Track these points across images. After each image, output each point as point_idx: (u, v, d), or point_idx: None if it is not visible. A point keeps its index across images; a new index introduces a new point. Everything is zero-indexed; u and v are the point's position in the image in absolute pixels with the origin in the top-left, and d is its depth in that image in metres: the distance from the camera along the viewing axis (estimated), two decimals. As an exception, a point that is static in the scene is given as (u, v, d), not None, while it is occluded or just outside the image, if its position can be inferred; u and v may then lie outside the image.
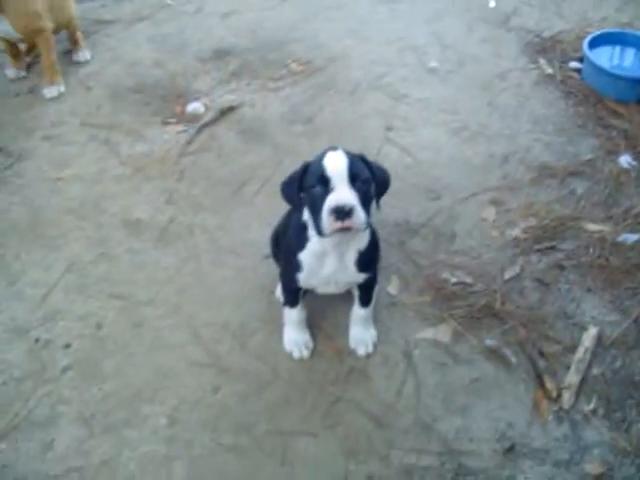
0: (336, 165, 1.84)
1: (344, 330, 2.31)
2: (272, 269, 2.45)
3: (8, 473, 2.04)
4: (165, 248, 2.64)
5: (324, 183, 1.84)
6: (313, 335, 2.32)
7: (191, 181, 2.90)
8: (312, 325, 2.34)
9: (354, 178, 1.85)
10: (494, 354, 2.29)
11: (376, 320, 2.33)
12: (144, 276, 2.55)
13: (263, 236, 2.54)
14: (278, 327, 2.35)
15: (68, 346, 2.35)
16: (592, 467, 2.01)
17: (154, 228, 2.72)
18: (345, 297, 2.27)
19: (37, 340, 2.37)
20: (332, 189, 1.84)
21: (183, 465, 2.05)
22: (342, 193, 1.83)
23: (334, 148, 1.89)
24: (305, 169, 1.92)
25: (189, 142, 3.09)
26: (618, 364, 2.27)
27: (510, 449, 2.06)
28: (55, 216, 2.75)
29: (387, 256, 2.53)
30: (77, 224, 2.73)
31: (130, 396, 2.21)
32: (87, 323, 2.41)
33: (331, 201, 1.83)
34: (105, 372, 2.28)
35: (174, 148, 3.05)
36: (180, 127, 3.18)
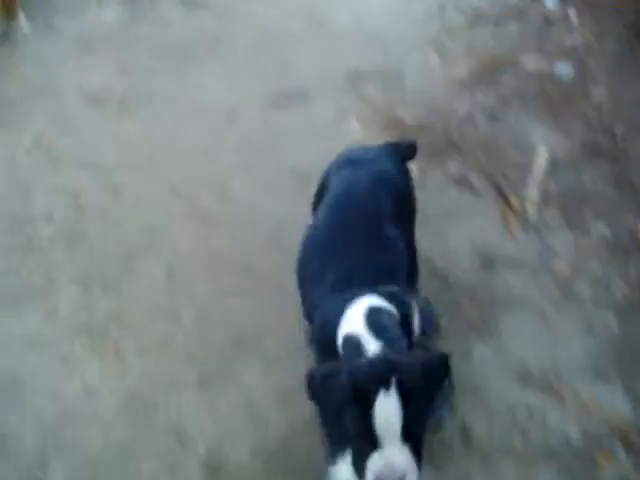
0: (387, 419, 1.41)
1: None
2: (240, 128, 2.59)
3: (17, 337, 2.10)
4: (128, 116, 2.65)
5: (369, 430, 1.41)
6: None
7: (143, 50, 2.91)
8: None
9: (409, 430, 1.42)
10: (460, 182, 2.44)
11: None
12: (111, 144, 2.56)
13: (221, 97, 2.65)
14: (254, 173, 2.46)
15: (50, 218, 2.37)
16: (561, 267, 2.22)
17: (113, 99, 2.73)
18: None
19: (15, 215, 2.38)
20: (379, 443, 1.42)
21: (189, 311, 2.13)
22: (393, 456, 1.42)
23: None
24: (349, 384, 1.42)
25: (131, 17, 3.05)
26: (571, 179, 2.47)
27: (488, 262, 2.24)
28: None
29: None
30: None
31: (122, 255, 2.28)
32: (64, 194, 2.43)
33: (377, 465, 1.41)
34: (92, 236, 2.33)
35: (117, 22, 3.03)
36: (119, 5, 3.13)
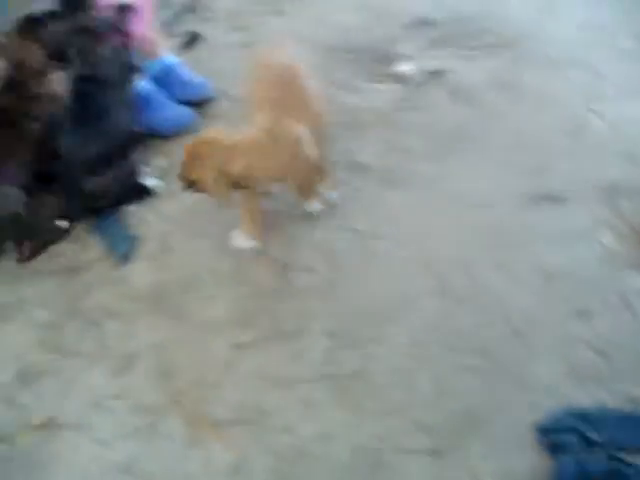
0: None
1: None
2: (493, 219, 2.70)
3: (264, 373, 2.31)
4: (388, 190, 2.85)
5: None
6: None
7: (408, 133, 3.11)
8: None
9: None
10: None
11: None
12: (373, 213, 2.79)
13: (477, 186, 2.83)
14: (502, 263, 2.56)
15: (309, 269, 2.60)
16: None
17: (376, 171, 2.93)
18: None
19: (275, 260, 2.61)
20: None
21: (427, 379, 2.24)
22: None
23: None
24: None
25: (402, 99, 3.30)
26: None
27: None
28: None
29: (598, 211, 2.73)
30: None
31: (371, 316, 2.43)
32: (324, 250, 2.64)
33: None
34: (345, 293, 2.50)
35: (388, 103, 3.26)
36: (391, 85, 3.39)
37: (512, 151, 3.00)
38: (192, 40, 3.69)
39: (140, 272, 2.60)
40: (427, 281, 2.52)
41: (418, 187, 2.85)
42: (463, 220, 2.72)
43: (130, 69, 2.85)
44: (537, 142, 3.05)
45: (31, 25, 2.66)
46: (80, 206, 2.70)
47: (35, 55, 2.64)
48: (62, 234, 2.75)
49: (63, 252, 2.68)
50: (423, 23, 3.85)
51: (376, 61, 3.55)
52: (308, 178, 2.59)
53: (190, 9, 3.37)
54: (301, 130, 2.42)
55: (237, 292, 2.54)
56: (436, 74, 3.46)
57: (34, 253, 2.69)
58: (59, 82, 2.69)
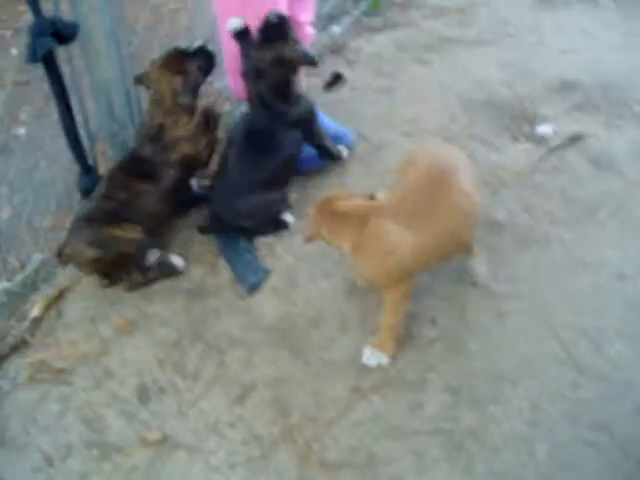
0: None
1: None
2: (628, 291, 2.62)
3: (380, 420, 2.27)
4: (522, 250, 2.79)
5: None
6: None
7: (546, 195, 3.06)
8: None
9: None
10: None
11: None
12: (505, 272, 2.71)
13: (614, 257, 2.72)
14: (635, 339, 2.45)
15: (433, 321, 2.54)
16: None
17: (512, 231, 2.88)
18: None
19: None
20: None
21: (544, 449, 2.17)
22: None
23: None
24: None
25: (541, 160, 3.25)
26: None
27: None
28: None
29: None
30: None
31: (494, 376, 2.37)
32: (451, 304, 2.60)
33: None
34: (470, 351, 2.46)
35: (527, 163, 3.22)
36: (530, 146, 3.35)
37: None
38: (335, 81, 3.74)
39: (266, 304, 2.62)
40: (553, 347, 2.46)
41: (553, 250, 2.79)
42: (598, 288, 2.65)
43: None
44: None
45: (178, 58, 2.75)
46: (224, 221, 2.79)
47: (173, 88, 2.70)
48: (175, 271, 2.80)
49: (192, 275, 2.73)
50: (568, 85, 3.82)
51: (517, 119, 3.53)
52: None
53: (334, 50, 3.42)
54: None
55: (361, 337, 2.52)
56: (577, 139, 3.41)
57: (142, 284, 2.74)
58: (198, 121, 2.80)
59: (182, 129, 2.72)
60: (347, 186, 3.03)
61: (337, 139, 3.15)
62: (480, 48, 4.17)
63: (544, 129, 3.42)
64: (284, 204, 2.91)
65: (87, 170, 2.72)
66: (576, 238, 2.84)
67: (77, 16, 2.53)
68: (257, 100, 2.79)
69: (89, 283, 2.71)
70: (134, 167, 2.70)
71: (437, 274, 2.69)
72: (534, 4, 4.69)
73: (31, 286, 2.69)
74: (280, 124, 2.78)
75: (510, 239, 2.84)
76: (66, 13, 2.56)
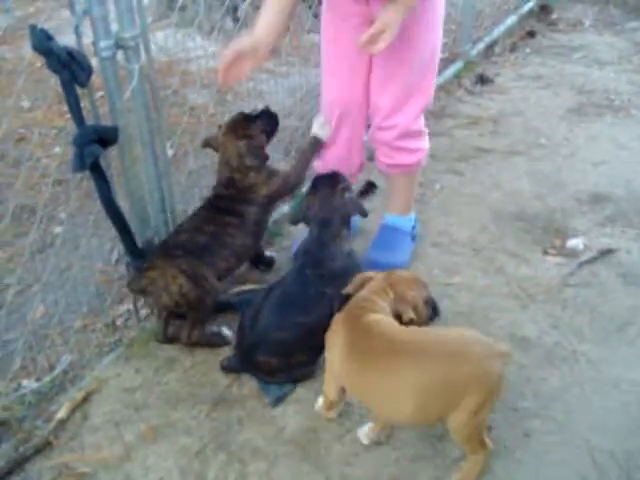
0: None
1: None
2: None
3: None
4: (550, 368, 2.77)
5: None
6: None
7: (575, 311, 3.05)
8: None
9: None
10: None
11: None
12: (531, 390, 2.69)
13: (645, 378, 2.59)
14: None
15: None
16: None
17: (540, 348, 2.86)
18: None
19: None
20: None
21: None
22: None
23: None
24: None
25: (570, 274, 3.26)
26: None
27: None
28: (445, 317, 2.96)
29: None
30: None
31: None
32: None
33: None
34: (494, 472, 2.42)
35: (556, 278, 3.22)
36: (560, 259, 3.36)
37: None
38: (368, 189, 3.82)
39: (290, 416, 2.60)
40: (581, 470, 2.42)
41: (582, 369, 2.78)
42: (627, 409, 2.62)
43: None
44: None
45: (242, 123, 2.94)
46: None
47: (238, 152, 2.90)
48: (225, 342, 2.92)
49: (218, 381, 2.74)
50: (599, 198, 3.85)
51: (547, 232, 3.55)
52: None
53: (369, 157, 3.50)
54: None
55: (386, 452, 2.51)
56: (608, 253, 3.40)
57: (199, 342, 2.86)
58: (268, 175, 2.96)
59: (252, 179, 2.91)
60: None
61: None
62: (512, 158, 4.21)
63: (575, 242, 3.44)
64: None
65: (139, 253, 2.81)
66: (604, 356, 2.82)
67: (114, 120, 2.61)
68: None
69: (116, 386, 2.74)
70: (218, 205, 2.90)
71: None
72: (567, 115, 4.76)
73: (59, 387, 2.72)
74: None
75: (537, 356, 2.82)
76: (103, 117, 2.65)
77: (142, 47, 2.61)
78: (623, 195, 3.88)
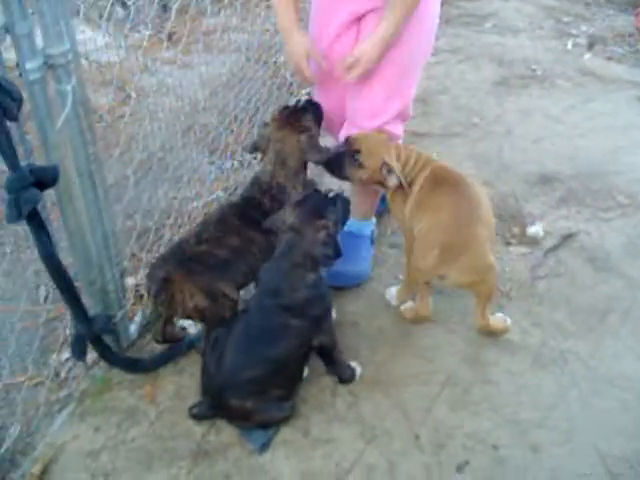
0: None
1: None
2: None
3: None
4: (541, 371, 2.67)
5: None
6: None
7: (552, 306, 2.96)
8: None
9: None
10: None
11: None
12: (528, 399, 2.58)
13: (637, 370, 2.64)
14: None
15: (464, 465, 2.39)
16: None
17: (526, 350, 2.76)
18: None
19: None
20: None
21: None
22: None
23: None
24: None
25: (539, 265, 3.16)
26: None
27: None
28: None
29: None
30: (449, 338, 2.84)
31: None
32: (484, 444, 2.45)
33: None
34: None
35: (525, 271, 3.12)
36: (523, 249, 3.27)
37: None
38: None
39: (282, 462, 2.40)
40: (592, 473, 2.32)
41: (573, 369, 2.69)
42: (627, 407, 2.56)
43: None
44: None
45: (294, 115, 2.72)
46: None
47: (301, 147, 2.68)
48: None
49: (191, 431, 2.48)
50: (547, 178, 3.78)
51: (504, 220, 3.44)
52: None
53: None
54: None
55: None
56: (569, 237, 3.33)
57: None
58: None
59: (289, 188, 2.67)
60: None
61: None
62: (449, 141, 4.08)
63: (535, 230, 3.35)
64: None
65: (85, 317, 2.45)
66: (592, 352, 2.75)
67: (47, 154, 2.28)
68: None
69: (76, 451, 2.43)
70: (248, 212, 2.63)
71: (463, 411, 2.55)
72: (493, 89, 4.67)
73: (10, 462, 2.38)
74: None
75: (525, 360, 2.73)
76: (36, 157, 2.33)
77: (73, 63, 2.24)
78: (570, 173, 3.83)
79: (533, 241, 3.31)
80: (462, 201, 2.56)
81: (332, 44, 2.79)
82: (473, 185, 2.64)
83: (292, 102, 2.82)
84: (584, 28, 5.74)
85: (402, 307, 2.90)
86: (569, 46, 5.41)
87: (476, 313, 2.72)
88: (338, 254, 2.42)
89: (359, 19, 2.71)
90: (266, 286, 2.44)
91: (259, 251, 2.58)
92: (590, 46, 5.36)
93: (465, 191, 2.59)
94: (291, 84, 4.44)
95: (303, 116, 2.70)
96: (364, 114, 2.81)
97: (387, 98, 2.78)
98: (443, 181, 2.62)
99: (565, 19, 5.90)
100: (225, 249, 2.52)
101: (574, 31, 5.68)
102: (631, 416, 2.52)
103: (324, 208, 2.43)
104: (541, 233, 3.35)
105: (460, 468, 2.36)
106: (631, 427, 2.49)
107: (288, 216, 2.43)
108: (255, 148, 2.77)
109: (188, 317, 2.57)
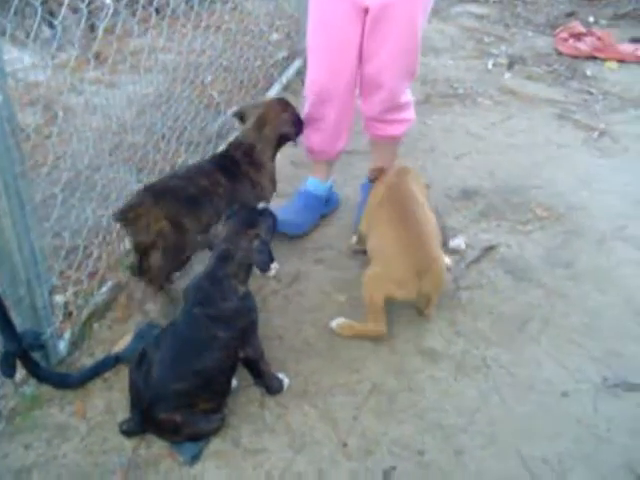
0: None
1: None
2: (572, 409, 2.63)
3: None
4: (468, 379, 2.76)
5: None
6: None
7: (474, 315, 3.05)
8: None
9: None
10: None
11: None
12: (451, 405, 2.65)
13: (554, 375, 2.76)
14: (590, 464, 2.45)
15: (393, 468, 2.44)
16: None
17: (449, 358, 2.83)
18: None
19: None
20: None
21: None
22: None
23: None
24: None
25: (461, 277, 3.25)
26: None
27: None
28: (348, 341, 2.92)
29: None
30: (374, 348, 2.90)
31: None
32: (408, 450, 2.51)
33: None
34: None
35: (448, 282, 3.19)
36: (446, 261, 3.33)
37: (584, 336, 2.98)
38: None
39: (212, 473, 2.42)
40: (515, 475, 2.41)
41: (495, 376, 2.78)
42: (546, 410, 2.67)
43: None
44: (609, 328, 3.02)
45: (283, 101, 3.18)
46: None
47: (282, 119, 3.09)
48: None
49: (122, 445, 2.48)
50: (468, 193, 3.88)
51: (428, 234, 3.47)
52: None
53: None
54: None
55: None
56: (490, 249, 3.43)
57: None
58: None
59: (267, 161, 3.05)
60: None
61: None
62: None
63: (457, 242, 3.44)
64: None
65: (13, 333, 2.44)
66: (513, 359, 2.85)
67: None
68: None
69: (6, 470, 2.39)
70: (223, 163, 2.96)
71: (389, 418, 2.61)
72: (417, 107, 4.62)
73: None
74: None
75: (449, 367, 2.80)
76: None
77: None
78: (490, 188, 3.95)
79: (454, 254, 3.37)
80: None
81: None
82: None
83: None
84: (504, 48, 5.92)
85: (334, 324, 2.97)
86: (490, 66, 5.57)
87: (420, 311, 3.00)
88: (271, 259, 2.67)
89: None
90: (195, 296, 2.45)
91: (224, 193, 2.83)
92: (510, 66, 5.54)
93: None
94: (218, 103, 4.44)
95: (287, 105, 3.17)
96: (375, 85, 3.14)
97: (400, 69, 3.12)
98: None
99: (486, 39, 6.08)
100: (195, 187, 2.77)
101: (495, 51, 5.86)
102: (551, 419, 2.61)
103: (254, 219, 2.49)
104: (463, 246, 3.43)
105: (387, 473, 2.41)
106: (551, 430, 2.58)
107: (221, 230, 2.47)
108: (238, 114, 3.16)
109: (151, 247, 2.72)
